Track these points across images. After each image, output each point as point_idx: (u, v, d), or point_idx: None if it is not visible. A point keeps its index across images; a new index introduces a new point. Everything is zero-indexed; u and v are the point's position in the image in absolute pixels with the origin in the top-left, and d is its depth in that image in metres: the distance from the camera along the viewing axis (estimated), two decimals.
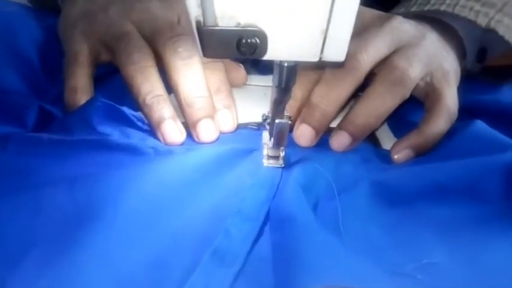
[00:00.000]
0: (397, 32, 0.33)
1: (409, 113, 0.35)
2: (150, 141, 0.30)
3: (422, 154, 0.31)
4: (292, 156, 0.31)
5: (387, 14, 0.35)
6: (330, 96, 0.30)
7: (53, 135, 0.28)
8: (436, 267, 0.22)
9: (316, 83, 0.32)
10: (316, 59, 0.24)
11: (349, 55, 0.29)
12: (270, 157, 0.29)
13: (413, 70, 0.31)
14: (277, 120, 0.26)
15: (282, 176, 0.29)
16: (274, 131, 0.27)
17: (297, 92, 0.32)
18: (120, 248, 0.22)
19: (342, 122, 0.32)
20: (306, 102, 0.32)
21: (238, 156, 0.30)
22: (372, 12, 0.35)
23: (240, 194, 0.26)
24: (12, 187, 0.25)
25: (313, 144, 0.32)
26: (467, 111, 0.34)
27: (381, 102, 0.30)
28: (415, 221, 0.25)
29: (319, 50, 0.23)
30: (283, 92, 0.26)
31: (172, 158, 0.28)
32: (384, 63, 0.32)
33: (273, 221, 0.25)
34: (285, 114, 0.27)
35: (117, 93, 0.33)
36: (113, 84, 0.36)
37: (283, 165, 0.30)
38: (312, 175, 0.28)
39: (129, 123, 0.31)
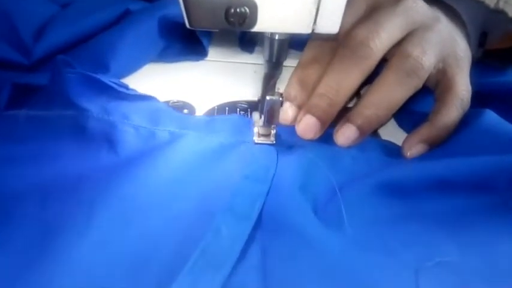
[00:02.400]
0: (411, 13, 0.29)
1: (410, 99, 0.34)
2: (133, 118, 0.28)
3: (435, 146, 0.29)
4: (285, 141, 0.30)
5: None
6: (338, 85, 0.28)
7: (31, 112, 0.27)
8: (447, 266, 0.20)
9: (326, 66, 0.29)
10: (308, 31, 0.23)
11: (360, 41, 0.27)
12: (260, 134, 0.29)
13: (428, 59, 0.28)
14: (267, 97, 0.25)
15: (276, 167, 0.27)
16: (264, 108, 0.26)
17: (305, 77, 0.29)
18: (95, 250, 0.21)
19: (349, 114, 0.29)
20: (311, 91, 0.29)
21: (227, 148, 0.28)
22: None
23: (230, 188, 0.24)
24: None
25: (317, 137, 0.29)
26: (473, 96, 0.33)
27: (392, 93, 0.28)
28: (422, 217, 0.24)
29: (312, 21, 0.22)
30: (274, 67, 0.25)
31: (155, 148, 0.26)
32: (397, 49, 0.29)
33: (266, 225, 0.23)
34: (276, 91, 0.26)
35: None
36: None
37: (274, 142, 0.29)
38: (309, 169, 0.26)
39: (109, 92, 0.29)
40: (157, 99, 0.31)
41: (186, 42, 0.40)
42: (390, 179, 0.25)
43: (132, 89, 0.30)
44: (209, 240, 0.21)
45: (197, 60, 0.40)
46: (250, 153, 0.28)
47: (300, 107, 0.29)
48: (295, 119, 0.29)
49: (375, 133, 0.33)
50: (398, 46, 0.29)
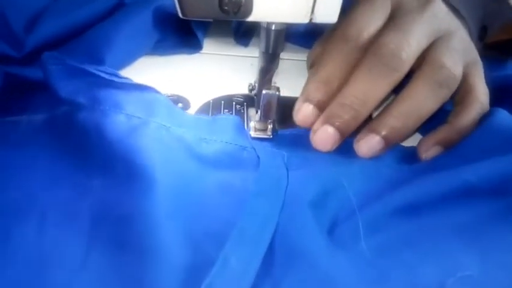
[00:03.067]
0: (437, 20, 0.29)
1: None
2: (127, 107, 0.26)
3: (450, 148, 0.28)
4: (285, 138, 0.28)
5: None
6: (365, 96, 0.26)
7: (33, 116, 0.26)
8: (470, 281, 0.19)
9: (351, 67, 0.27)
10: (306, 20, 0.22)
11: (391, 51, 0.26)
12: (257, 129, 0.28)
13: (459, 69, 0.27)
14: (264, 91, 0.24)
15: (288, 179, 0.24)
16: (261, 103, 0.25)
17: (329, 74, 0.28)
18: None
19: (372, 123, 0.27)
20: (331, 100, 0.27)
21: (229, 154, 0.26)
22: None
23: (234, 202, 0.22)
24: None
25: (333, 149, 0.27)
26: None
27: (423, 104, 0.26)
28: (439, 230, 0.22)
29: (310, 11, 0.22)
30: (270, 59, 0.24)
31: (146, 145, 0.24)
32: (426, 58, 0.28)
33: (278, 253, 0.21)
34: (273, 84, 0.25)
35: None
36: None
37: (271, 136, 0.28)
38: (325, 185, 0.24)
39: (100, 82, 0.27)
40: (155, 90, 0.29)
41: (181, 34, 0.39)
42: (405, 194, 0.24)
43: (126, 78, 0.29)
44: (216, 272, 0.18)
45: (192, 53, 0.39)
46: (254, 162, 0.26)
47: (319, 109, 0.27)
48: (313, 123, 0.27)
49: None
50: (425, 54, 0.28)
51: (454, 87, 0.27)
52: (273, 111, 0.26)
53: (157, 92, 0.28)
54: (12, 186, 0.22)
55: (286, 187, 0.24)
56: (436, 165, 0.26)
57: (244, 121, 0.30)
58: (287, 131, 0.29)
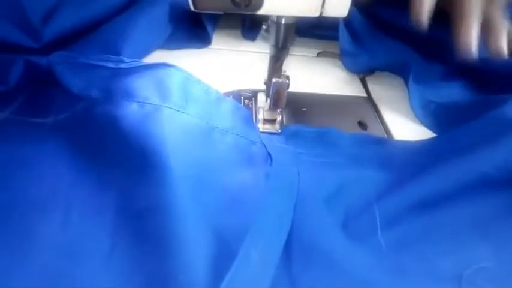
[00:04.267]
0: None
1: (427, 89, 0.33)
2: (138, 94, 0.25)
3: None
4: (291, 131, 0.28)
5: None
6: None
7: (57, 117, 0.26)
8: (486, 272, 0.20)
9: None
10: (316, 14, 0.22)
11: None
12: (266, 121, 0.28)
13: None
14: (274, 79, 0.25)
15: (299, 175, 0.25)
16: (271, 91, 0.26)
17: None
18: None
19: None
20: None
21: (238, 148, 0.26)
22: None
23: (247, 201, 0.22)
24: None
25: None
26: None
27: None
28: (458, 222, 0.23)
29: (320, 5, 0.22)
30: (280, 50, 0.25)
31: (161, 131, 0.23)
32: None
33: (294, 248, 0.21)
34: (283, 73, 0.25)
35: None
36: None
37: (279, 131, 0.28)
38: (339, 179, 0.25)
39: (108, 71, 0.27)
40: (166, 64, 0.27)
41: (190, 29, 0.39)
42: (420, 188, 0.24)
43: (134, 61, 0.28)
44: (238, 265, 0.19)
45: (201, 47, 0.40)
46: (263, 158, 0.26)
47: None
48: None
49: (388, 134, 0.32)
50: None
51: None
52: (283, 99, 0.26)
53: (169, 66, 0.27)
54: (36, 184, 0.22)
55: (298, 183, 0.24)
56: (450, 155, 0.26)
57: (252, 116, 0.31)
58: (295, 126, 0.29)
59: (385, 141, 0.30)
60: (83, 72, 0.26)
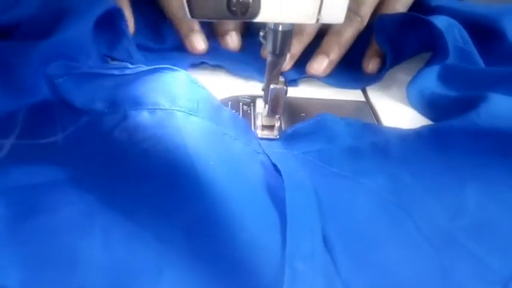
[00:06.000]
0: None
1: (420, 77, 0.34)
2: (146, 102, 0.24)
3: None
4: (290, 135, 0.29)
5: None
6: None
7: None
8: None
9: None
10: (313, 21, 0.22)
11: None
12: (264, 127, 0.28)
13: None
14: (271, 86, 0.25)
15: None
16: (269, 97, 0.26)
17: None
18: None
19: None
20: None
21: (248, 156, 0.26)
22: None
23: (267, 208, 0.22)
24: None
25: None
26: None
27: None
28: (507, 220, 0.24)
29: (317, 11, 0.22)
30: (278, 57, 0.25)
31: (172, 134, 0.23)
32: None
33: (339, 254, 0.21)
34: (280, 79, 0.26)
35: None
36: None
37: (278, 137, 0.28)
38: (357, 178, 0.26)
39: (111, 80, 0.25)
40: (170, 68, 0.26)
41: None
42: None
43: (138, 66, 0.26)
44: (288, 281, 0.19)
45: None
46: (267, 167, 0.26)
47: None
48: None
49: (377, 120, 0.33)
50: None
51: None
52: (281, 106, 0.26)
53: (173, 69, 0.26)
54: (68, 207, 0.22)
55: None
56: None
57: (251, 122, 0.31)
58: (292, 128, 0.29)
59: (382, 129, 0.31)
60: (85, 83, 0.25)
